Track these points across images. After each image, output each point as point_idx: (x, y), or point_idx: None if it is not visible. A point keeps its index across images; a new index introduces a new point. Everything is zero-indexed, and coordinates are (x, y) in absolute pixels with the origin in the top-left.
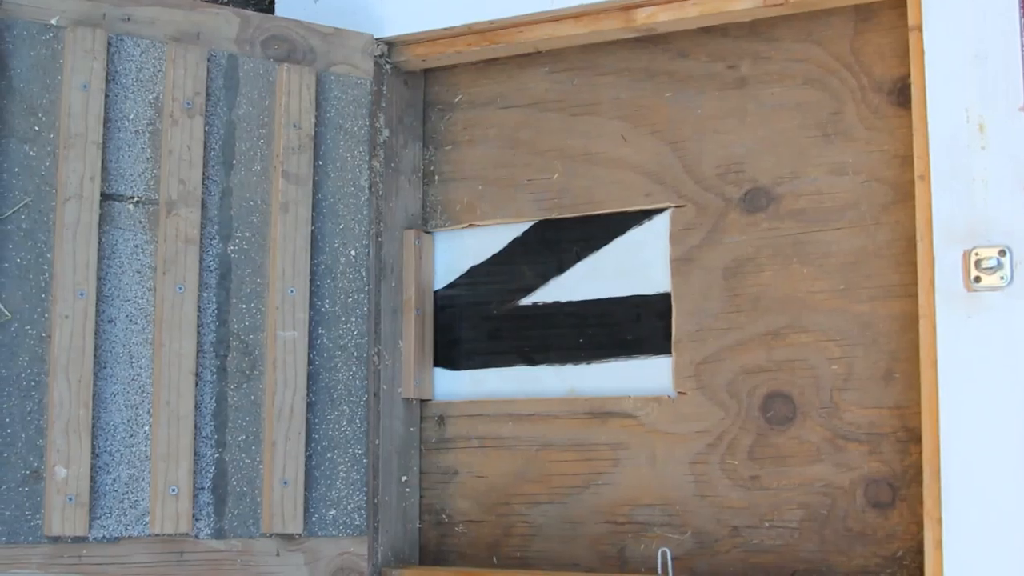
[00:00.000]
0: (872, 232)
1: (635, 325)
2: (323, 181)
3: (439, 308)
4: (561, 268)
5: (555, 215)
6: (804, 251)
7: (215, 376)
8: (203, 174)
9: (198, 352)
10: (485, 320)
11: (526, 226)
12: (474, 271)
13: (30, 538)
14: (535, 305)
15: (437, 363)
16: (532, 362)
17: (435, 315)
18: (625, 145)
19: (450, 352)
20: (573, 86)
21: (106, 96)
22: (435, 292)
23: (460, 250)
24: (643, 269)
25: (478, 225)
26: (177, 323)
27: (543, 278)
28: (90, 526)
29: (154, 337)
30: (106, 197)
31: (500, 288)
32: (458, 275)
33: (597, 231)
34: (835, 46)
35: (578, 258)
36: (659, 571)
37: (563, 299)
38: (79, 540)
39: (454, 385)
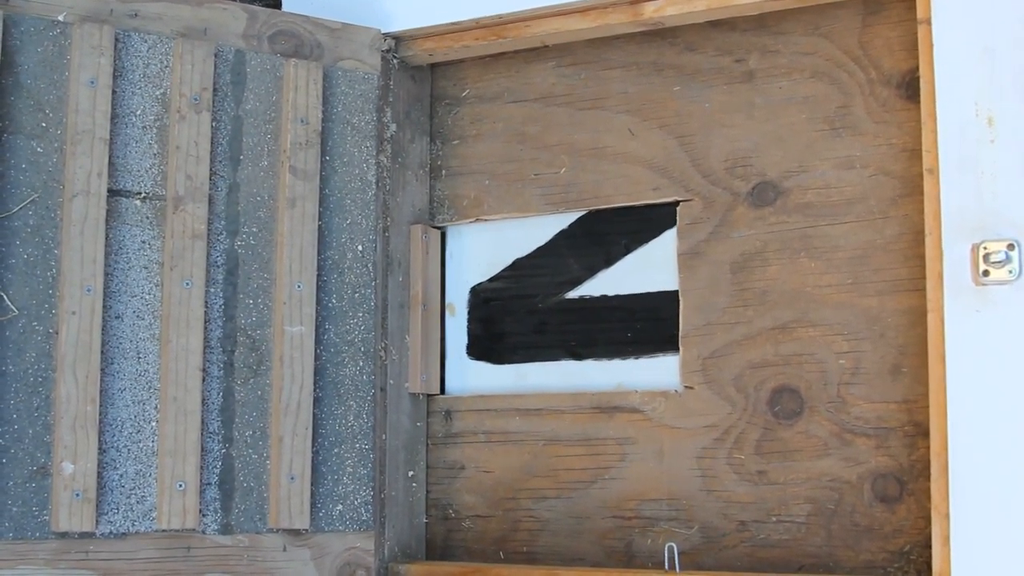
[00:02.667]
0: (880, 226)
1: None
2: (330, 176)
3: (482, 301)
4: (609, 261)
5: (562, 210)
6: (812, 245)
7: (222, 372)
8: (210, 169)
9: (205, 348)
10: (530, 314)
11: (573, 218)
12: (519, 263)
13: (37, 534)
14: (582, 298)
15: (480, 357)
16: (578, 356)
17: (478, 308)
18: (633, 139)
19: (493, 346)
20: (580, 80)
21: (113, 92)
22: (478, 285)
23: (504, 242)
24: None
25: (519, 217)
26: (184, 319)
27: (590, 271)
28: (97, 522)
29: (161, 333)
30: (113, 193)
31: (546, 281)
32: (502, 268)
33: (647, 223)
34: (843, 39)
35: (627, 251)
36: (666, 566)
37: (611, 292)
38: (86, 536)
39: (497, 379)
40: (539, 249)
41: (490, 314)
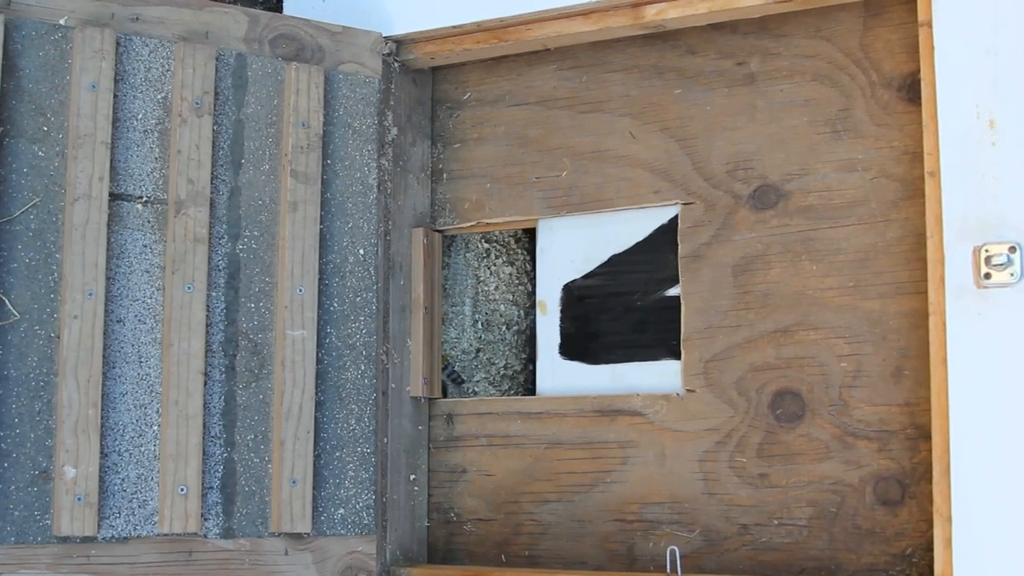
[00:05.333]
0: (882, 229)
1: None
2: (332, 180)
3: (576, 299)
4: None
5: (564, 213)
6: (813, 248)
7: (224, 375)
8: (212, 173)
9: (207, 351)
10: (628, 311)
11: (673, 212)
12: (616, 259)
13: (39, 538)
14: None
15: (573, 357)
16: (680, 356)
17: (572, 306)
18: (634, 142)
19: (588, 345)
20: (582, 83)
21: (115, 96)
22: (572, 282)
23: (600, 238)
24: None
25: (613, 211)
26: (186, 322)
27: None
28: (99, 526)
29: (163, 337)
30: (115, 197)
31: (645, 277)
32: (598, 264)
33: None
34: (844, 42)
35: None
36: (668, 569)
37: None
38: (88, 540)
39: (593, 380)
40: (638, 245)
41: (585, 312)
